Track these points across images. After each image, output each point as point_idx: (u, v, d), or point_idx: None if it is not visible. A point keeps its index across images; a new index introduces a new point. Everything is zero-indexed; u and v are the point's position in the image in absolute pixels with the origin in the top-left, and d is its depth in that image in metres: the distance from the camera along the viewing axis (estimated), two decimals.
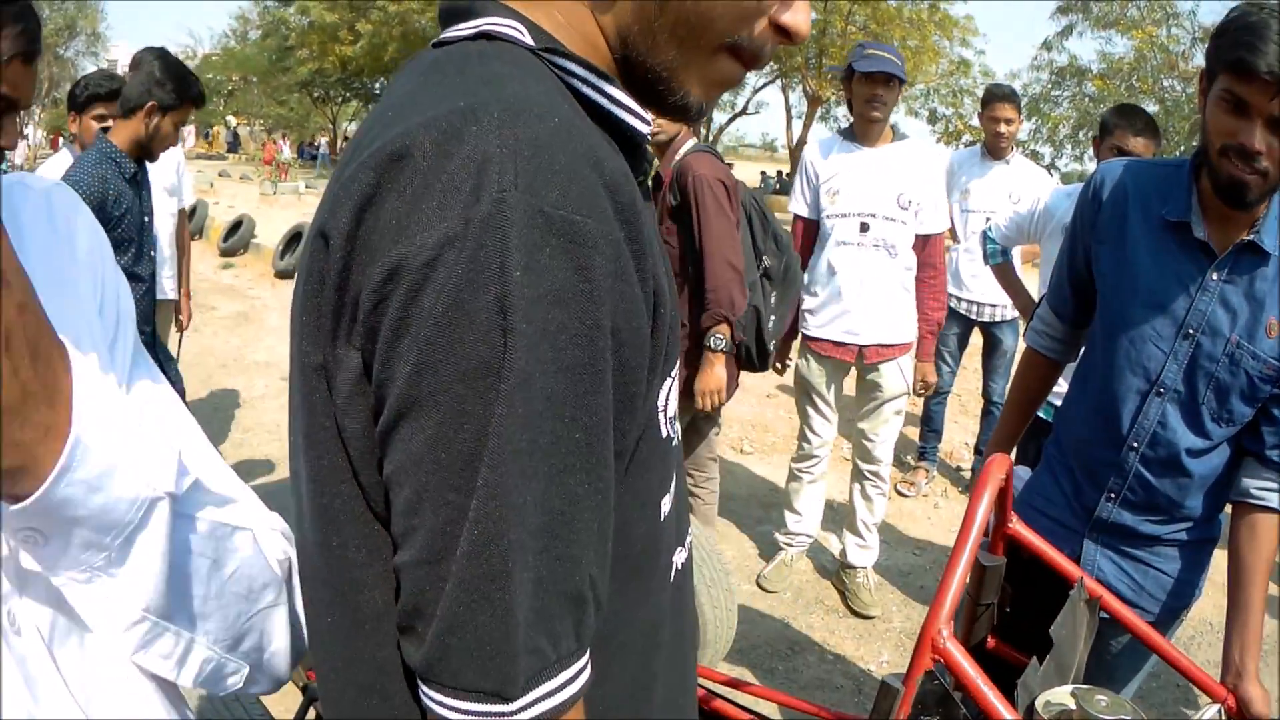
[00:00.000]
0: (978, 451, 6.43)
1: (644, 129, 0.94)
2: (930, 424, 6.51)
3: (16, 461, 0.64)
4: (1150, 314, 2.17)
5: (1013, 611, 2.29)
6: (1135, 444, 2.22)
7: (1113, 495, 2.28)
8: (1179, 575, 2.31)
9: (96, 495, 0.68)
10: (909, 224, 4.43)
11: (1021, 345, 6.11)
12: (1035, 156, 21.67)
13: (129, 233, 4.09)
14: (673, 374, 0.97)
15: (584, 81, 0.89)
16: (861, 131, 4.44)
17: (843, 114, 36.24)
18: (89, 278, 0.91)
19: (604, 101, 0.90)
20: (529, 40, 0.89)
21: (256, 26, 39.14)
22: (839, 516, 5.44)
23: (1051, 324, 2.54)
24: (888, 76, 4.24)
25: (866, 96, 4.30)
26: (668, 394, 0.96)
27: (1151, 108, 20.60)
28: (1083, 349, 2.44)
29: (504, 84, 0.80)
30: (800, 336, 4.72)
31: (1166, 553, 2.31)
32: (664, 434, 0.96)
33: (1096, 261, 2.31)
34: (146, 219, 4.30)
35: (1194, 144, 20.13)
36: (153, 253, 4.42)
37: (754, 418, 7.60)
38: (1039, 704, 1.66)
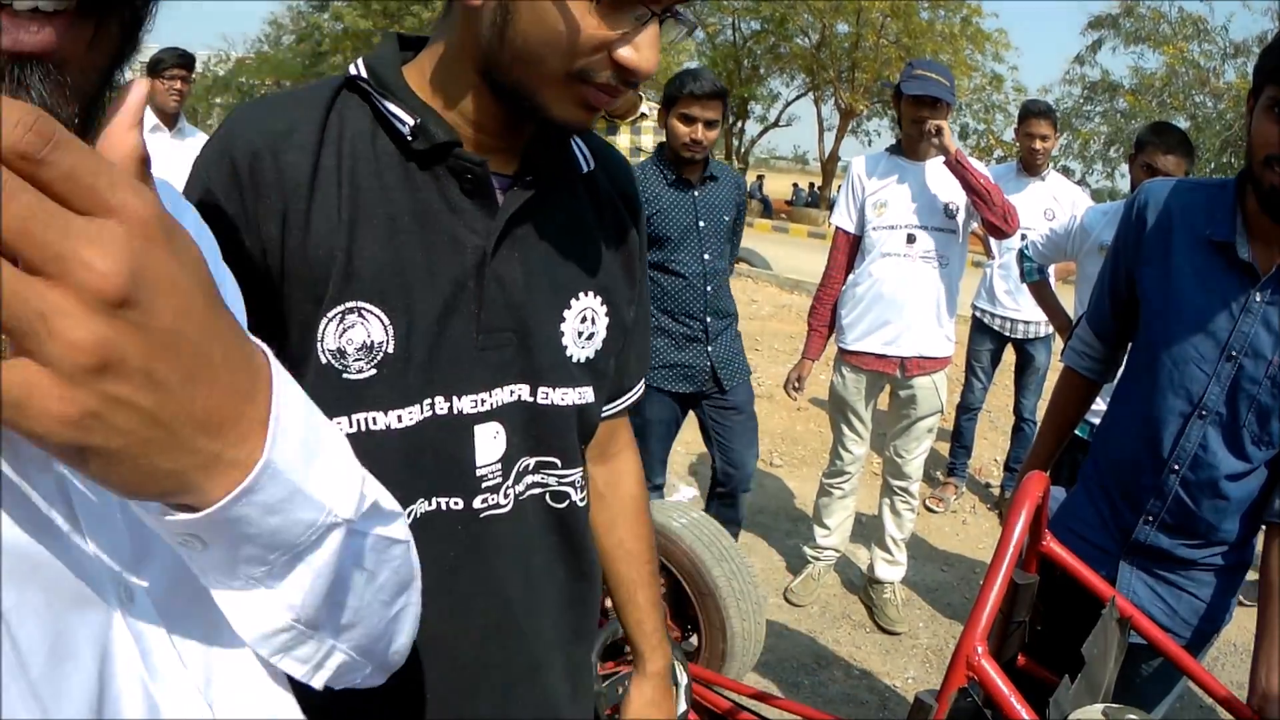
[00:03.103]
0: (1008, 468, 6.40)
1: (402, 128, 1.18)
2: (960, 440, 6.49)
3: (185, 496, 0.60)
4: (1193, 336, 2.15)
5: (1043, 629, 2.29)
6: (1176, 467, 2.20)
7: (1151, 518, 2.27)
8: (1211, 600, 2.30)
9: (273, 518, 0.63)
10: (958, 232, 4.42)
11: (1054, 363, 6.08)
12: (1066, 172, 21.54)
13: None
14: (338, 314, 1.16)
15: (379, 97, 1.20)
16: (909, 148, 4.43)
17: (874, 128, 36.24)
18: None
19: (383, 109, 1.19)
20: (358, 72, 1.22)
21: (290, 31, 39.25)
22: (867, 531, 5.43)
23: (1091, 344, 2.53)
24: (936, 100, 4.23)
25: (913, 117, 4.29)
26: (338, 333, 1.16)
27: (1183, 123, 20.47)
28: (1122, 369, 2.43)
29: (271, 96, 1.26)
30: (837, 351, 4.71)
31: (1201, 577, 2.29)
32: (323, 361, 1.16)
33: (1139, 282, 2.30)
34: None
35: (1224, 160, 19.96)
36: None
37: (784, 431, 7.59)
38: None
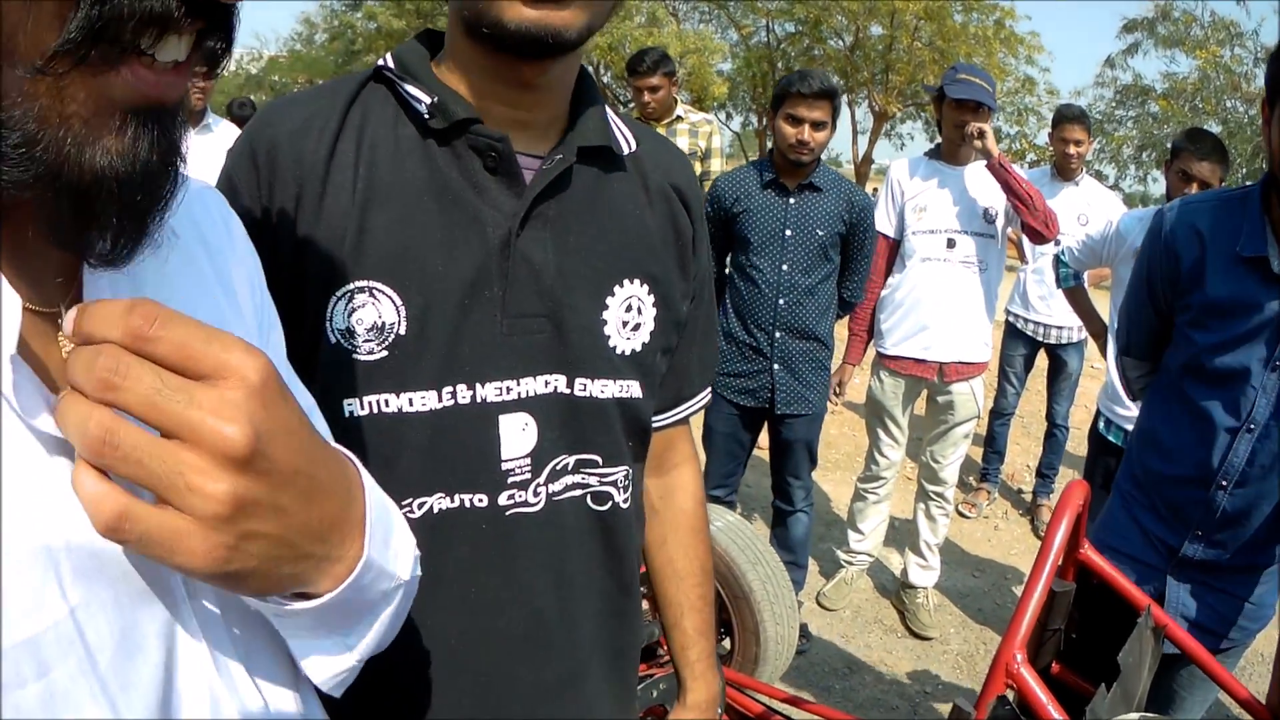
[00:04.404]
0: (1040, 474, 6.37)
1: (420, 108, 1.17)
2: (993, 445, 6.47)
3: (297, 589, 0.70)
4: (1235, 352, 2.15)
5: (1078, 637, 2.29)
6: (1224, 483, 2.20)
7: (1200, 533, 2.26)
8: (1262, 598, 2.31)
9: (363, 595, 0.73)
10: (996, 237, 4.41)
11: (1086, 369, 6.04)
12: (1099, 177, 21.41)
13: None
14: (346, 294, 1.15)
15: (400, 82, 1.20)
16: (949, 152, 4.44)
17: (907, 131, 36.02)
18: (247, 288, 0.89)
19: (404, 93, 1.19)
20: (385, 63, 1.22)
21: (323, 30, 39.32)
22: (899, 535, 5.42)
23: (1144, 368, 2.51)
24: (979, 104, 4.23)
25: (956, 121, 4.29)
26: (346, 312, 1.15)
27: (1215, 128, 20.29)
28: (1157, 385, 2.43)
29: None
30: (875, 355, 4.71)
31: (1249, 579, 2.30)
32: (332, 341, 1.15)
33: (1180, 313, 2.29)
34: None
35: (1256, 166, 19.71)
36: None
37: None
38: None
